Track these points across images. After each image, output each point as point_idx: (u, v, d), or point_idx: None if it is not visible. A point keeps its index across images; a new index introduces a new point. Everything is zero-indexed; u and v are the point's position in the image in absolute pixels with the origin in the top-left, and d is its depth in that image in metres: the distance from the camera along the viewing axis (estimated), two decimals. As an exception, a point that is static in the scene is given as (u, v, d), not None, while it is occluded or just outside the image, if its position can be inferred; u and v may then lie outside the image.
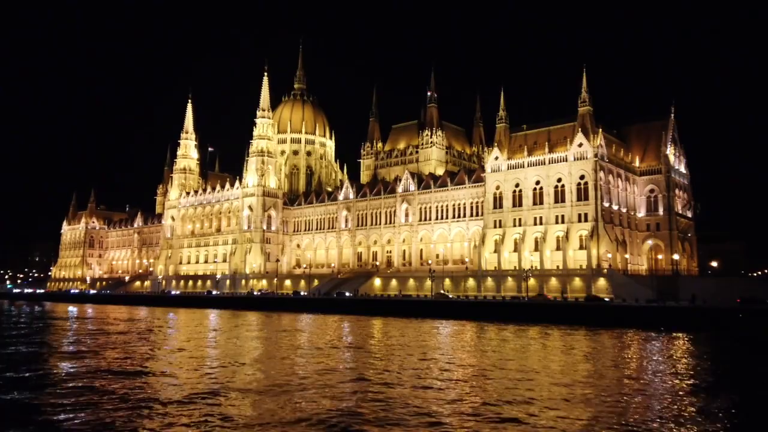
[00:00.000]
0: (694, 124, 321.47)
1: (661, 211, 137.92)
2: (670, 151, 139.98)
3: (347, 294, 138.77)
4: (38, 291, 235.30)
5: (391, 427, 29.62)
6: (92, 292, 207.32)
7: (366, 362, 50.89)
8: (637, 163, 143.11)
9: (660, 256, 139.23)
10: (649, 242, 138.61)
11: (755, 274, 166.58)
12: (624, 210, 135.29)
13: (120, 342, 66.76)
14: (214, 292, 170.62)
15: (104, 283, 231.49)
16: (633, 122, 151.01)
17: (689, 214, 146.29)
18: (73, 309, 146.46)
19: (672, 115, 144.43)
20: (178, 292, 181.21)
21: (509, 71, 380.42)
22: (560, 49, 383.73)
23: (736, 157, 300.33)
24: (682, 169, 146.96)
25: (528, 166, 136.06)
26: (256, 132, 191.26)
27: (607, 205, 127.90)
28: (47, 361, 52.34)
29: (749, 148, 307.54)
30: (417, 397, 36.37)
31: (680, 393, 38.87)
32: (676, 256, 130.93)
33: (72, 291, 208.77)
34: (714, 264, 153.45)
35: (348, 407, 33.45)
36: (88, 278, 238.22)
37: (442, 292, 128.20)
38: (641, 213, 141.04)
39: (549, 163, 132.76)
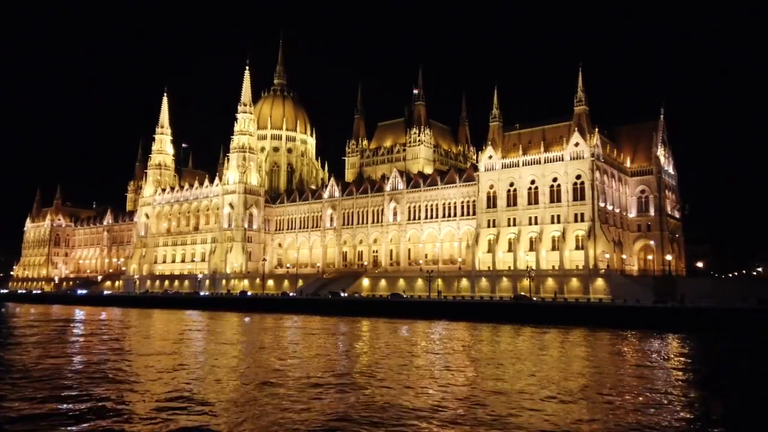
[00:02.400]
0: (689, 124, 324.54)
1: (652, 212, 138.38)
2: (660, 152, 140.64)
3: (357, 295, 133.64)
4: (35, 291, 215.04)
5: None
6: (94, 292, 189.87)
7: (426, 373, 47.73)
8: (628, 164, 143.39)
9: (650, 257, 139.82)
10: (643, 243, 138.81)
11: (732, 275, 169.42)
12: (617, 210, 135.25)
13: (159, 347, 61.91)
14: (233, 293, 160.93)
15: (71, 283, 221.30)
16: (623, 123, 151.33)
17: (677, 215, 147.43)
18: (80, 312, 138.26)
19: (662, 116, 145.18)
20: (208, 292, 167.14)
21: (498, 70, 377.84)
22: (552, 49, 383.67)
23: (732, 157, 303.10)
24: (671, 170, 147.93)
25: (523, 165, 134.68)
26: (237, 127, 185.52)
27: (602, 205, 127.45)
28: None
29: (747, 149, 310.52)
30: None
31: (681, 393, 38.42)
32: (669, 257, 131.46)
33: (79, 292, 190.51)
34: (700, 264, 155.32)
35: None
36: (56, 278, 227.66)
37: (522, 294, 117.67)
38: (632, 213, 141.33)
39: (544, 162, 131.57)
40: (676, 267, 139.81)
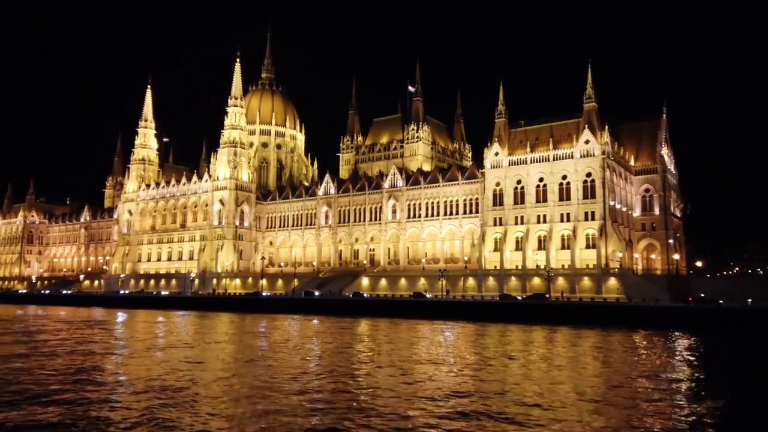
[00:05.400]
0: (687, 124, 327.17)
1: (656, 211, 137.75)
2: (664, 151, 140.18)
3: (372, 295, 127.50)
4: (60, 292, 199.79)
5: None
6: (125, 292, 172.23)
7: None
8: (632, 163, 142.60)
9: (653, 256, 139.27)
10: (647, 242, 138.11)
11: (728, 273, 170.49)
12: (624, 209, 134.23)
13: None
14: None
15: (46, 282, 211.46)
16: (624, 122, 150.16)
17: (678, 214, 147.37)
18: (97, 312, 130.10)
19: (664, 115, 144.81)
20: (203, 292, 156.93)
21: (497, 68, 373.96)
22: (550, 49, 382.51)
23: (731, 157, 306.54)
24: (672, 168, 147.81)
25: (530, 162, 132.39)
26: (227, 121, 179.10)
27: (612, 203, 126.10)
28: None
29: (746, 149, 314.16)
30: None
31: (681, 394, 38.18)
32: (676, 256, 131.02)
33: (121, 292, 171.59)
34: (699, 264, 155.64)
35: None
36: (33, 277, 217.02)
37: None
38: (636, 212, 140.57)
39: (553, 159, 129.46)
40: (678, 266, 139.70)
